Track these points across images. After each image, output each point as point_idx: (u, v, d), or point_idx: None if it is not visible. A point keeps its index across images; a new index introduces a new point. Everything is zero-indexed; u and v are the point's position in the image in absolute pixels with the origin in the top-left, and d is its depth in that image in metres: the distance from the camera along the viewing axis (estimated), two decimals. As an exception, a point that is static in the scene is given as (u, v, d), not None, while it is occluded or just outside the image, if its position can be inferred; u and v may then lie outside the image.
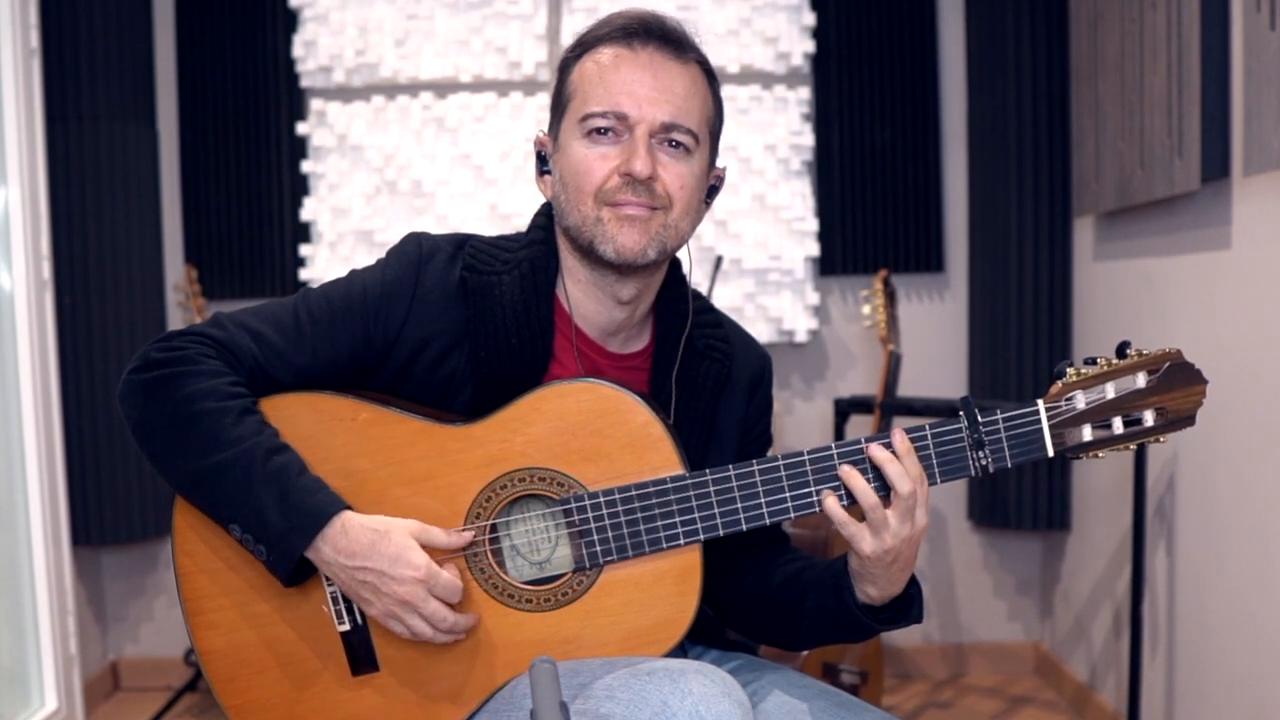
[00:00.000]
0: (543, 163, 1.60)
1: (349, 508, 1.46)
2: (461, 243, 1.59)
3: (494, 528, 1.51)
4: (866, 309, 3.45)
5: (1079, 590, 3.54)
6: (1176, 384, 1.46)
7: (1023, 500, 3.65)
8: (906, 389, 3.57)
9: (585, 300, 1.57)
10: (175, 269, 3.75)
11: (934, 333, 3.82)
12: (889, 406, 3.26)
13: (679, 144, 1.51)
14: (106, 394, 3.57)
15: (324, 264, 3.72)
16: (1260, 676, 2.42)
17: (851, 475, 1.44)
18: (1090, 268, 3.45)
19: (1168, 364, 1.46)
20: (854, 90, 3.73)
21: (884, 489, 1.44)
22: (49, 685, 3.11)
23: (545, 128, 1.61)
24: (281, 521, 1.42)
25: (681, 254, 1.62)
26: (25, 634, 3.09)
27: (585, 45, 1.55)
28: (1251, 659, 2.46)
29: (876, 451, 1.44)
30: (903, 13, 3.72)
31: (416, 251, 1.56)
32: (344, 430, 1.50)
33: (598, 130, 1.50)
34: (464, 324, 1.54)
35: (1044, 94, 3.54)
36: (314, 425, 1.51)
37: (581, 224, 1.51)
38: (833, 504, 1.44)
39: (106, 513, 3.61)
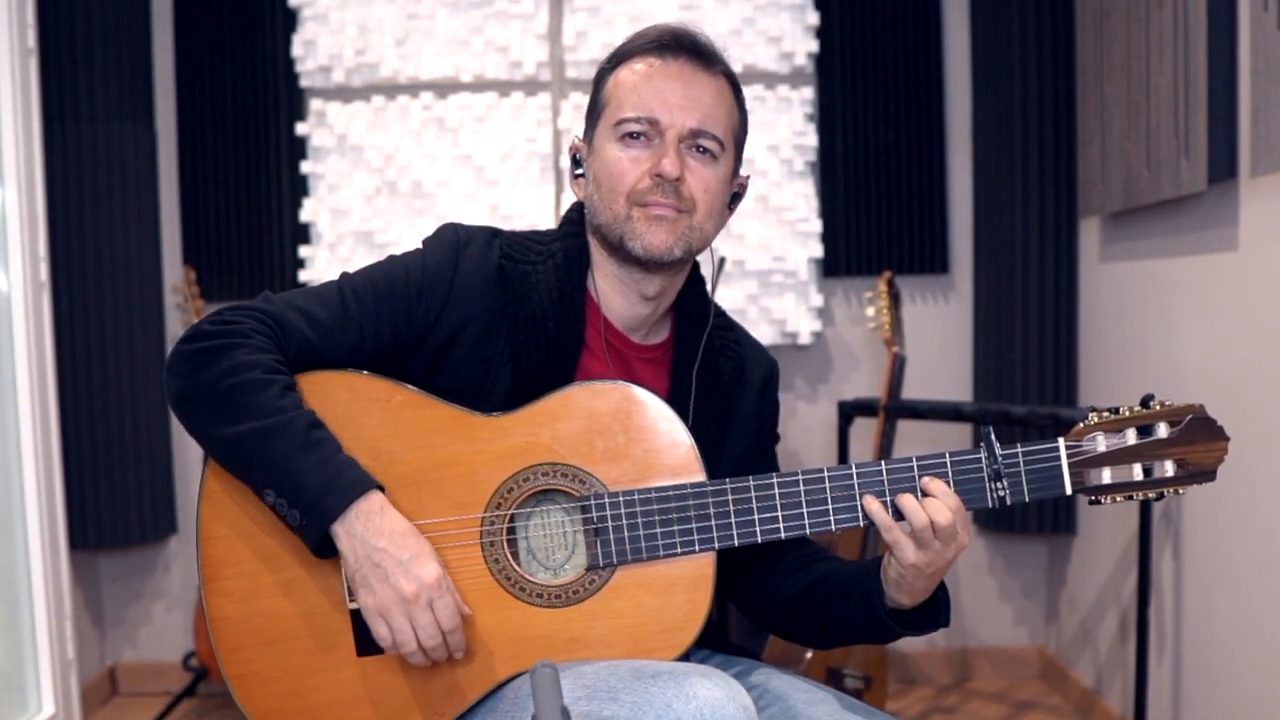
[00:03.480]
0: (577, 166, 1.69)
1: (382, 489, 1.48)
2: (495, 233, 1.67)
3: (512, 518, 1.53)
4: (870, 311, 3.44)
5: (1085, 594, 3.52)
6: (1199, 438, 1.50)
7: (1028, 504, 3.61)
8: (911, 391, 3.55)
9: (612, 294, 1.65)
10: (174, 270, 3.74)
11: (938, 335, 3.80)
12: (893, 409, 3.24)
13: (705, 149, 1.60)
14: (105, 396, 3.55)
15: (324, 265, 3.70)
16: (1267, 681, 2.40)
17: (906, 499, 1.48)
18: (1096, 269, 3.43)
19: (1190, 417, 1.50)
20: (858, 90, 3.71)
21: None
22: (46, 690, 3.10)
23: (581, 134, 1.70)
24: (319, 486, 1.44)
25: (702, 259, 1.71)
26: (22, 638, 3.07)
27: (620, 57, 1.65)
28: (1259, 663, 2.44)
29: (914, 498, 1.49)
30: (907, 12, 3.70)
31: (454, 238, 1.63)
32: (378, 410, 1.53)
33: (631, 135, 1.59)
34: (501, 309, 1.60)
35: (1049, 94, 3.53)
36: (349, 403, 1.54)
37: (613, 222, 1.59)
38: (877, 508, 1.49)
39: (104, 516, 3.60)
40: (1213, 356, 2.61)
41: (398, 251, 1.67)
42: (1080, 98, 3.42)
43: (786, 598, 1.66)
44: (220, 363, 1.49)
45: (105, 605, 3.82)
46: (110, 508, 3.60)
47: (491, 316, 1.59)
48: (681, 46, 1.61)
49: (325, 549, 1.48)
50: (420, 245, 1.65)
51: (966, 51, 3.74)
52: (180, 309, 3.56)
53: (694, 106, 1.58)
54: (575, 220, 1.69)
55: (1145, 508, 2.78)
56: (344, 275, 1.62)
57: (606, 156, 1.60)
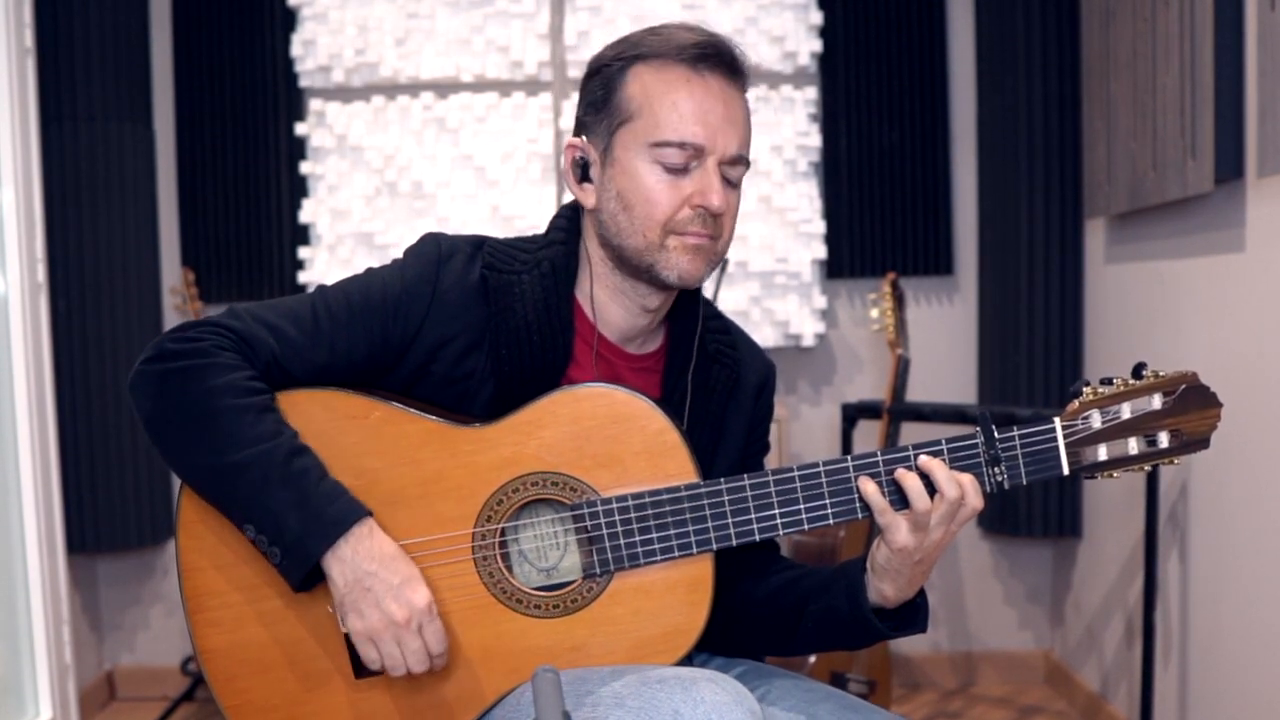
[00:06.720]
0: (584, 170, 1.55)
1: (370, 514, 1.44)
2: (480, 243, 1.58)
3: (504, 531, 1.49)
4: (874, 312, 3.41)
5: (1090, 598, 3.50)
6: (1192, 406, 1.48)
7: (1033, 507, 3.61)
8: (915, 394, 3.53)
9: (610, 305, 1.58)
10: (172, 271, 3.72)
11: (943, 336, 3.78)
12: (897, 412, 3.22)
13: (736, 174, 1.53)
14: (103, 399, 3.54)
15: (323, 266, 3.68)
16: (1274, 685, 2.39)
17: (906, 476, 1.44)
18: (1102, 270, 3.41)
19: (1183, 386, 1.48)
20: (862, 90, 3.69)
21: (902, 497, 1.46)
22: (43, 694, 3.08)
23: (583, 132, 1.56)
24: (299, 526, 1.40)
25: None
26: (19, 642, 3.05)
27: (642, 56, 1.51)
28: (1265, 667, 2.42)
29: (924, 459, 1.45)
30: (911, 12, 3.68)
31: (435, 251, 1.55)
32: (356, 429, 1.49)
33: (671, 159, 1.49)
34: (484, 323, 1.53)
35: (1055, 94, 3.51)
36: (326, 423, 1.49)
37: (644, 249, 1.51)
38: (873, 490, 1.45)
39: (102, 519, 3.58)
40: (1219, 358, 2.59)
41: (398, 253, 1.60)
42: (1086, 98, 3.40)
43: (753, 601, 1.61)
44: (190, 386, 1.44)
45: (103, 609, 3.80)
46: (108, 511, 3.58)
47: (474, 332, 1.52)
48: (720, 59, 1.50)
49: (306, 585, 1.45)
50: (401, 257, 1.57)
51: (971, 51, 3.72)
52: (179, 311, 3.54)
53: (734, 130, 1.50)
54: (564, 228, 1.59)
55: (1151, 510, 2.76)
56: (320, 289, 1.55)
57: (640, 179, 1.49)
